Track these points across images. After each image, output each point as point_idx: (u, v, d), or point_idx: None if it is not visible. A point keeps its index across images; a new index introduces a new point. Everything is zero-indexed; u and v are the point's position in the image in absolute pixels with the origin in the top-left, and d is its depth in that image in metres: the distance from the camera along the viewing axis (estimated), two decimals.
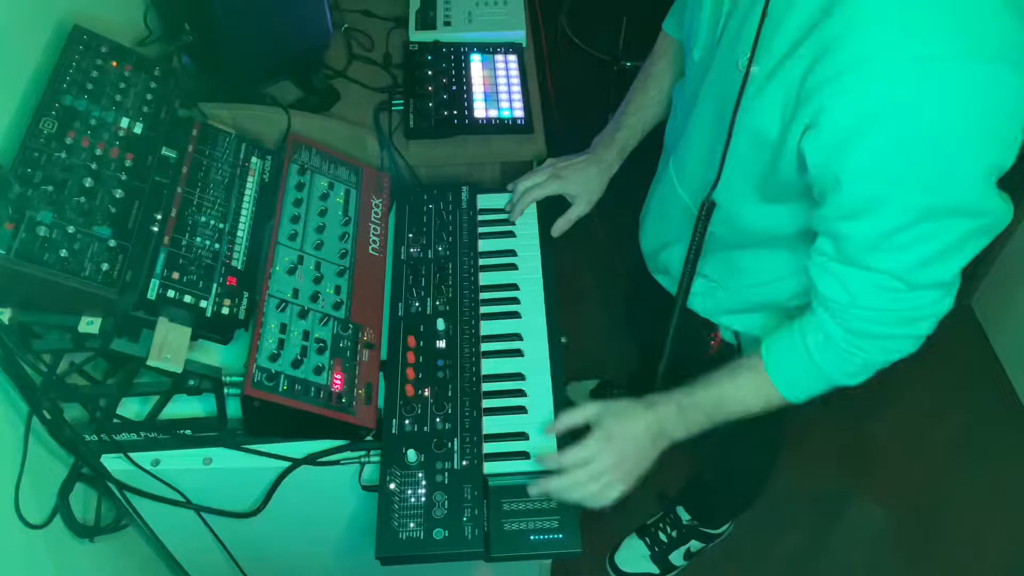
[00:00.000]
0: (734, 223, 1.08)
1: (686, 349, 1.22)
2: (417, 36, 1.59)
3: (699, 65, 1.07)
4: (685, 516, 1.89)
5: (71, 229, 0.98)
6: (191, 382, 1.09)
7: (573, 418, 1.10)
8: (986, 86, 0.77)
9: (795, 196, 0.98)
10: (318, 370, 1.09)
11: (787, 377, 1.03)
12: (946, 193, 0.82)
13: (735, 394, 1.06)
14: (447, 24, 1.61)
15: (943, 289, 0.92)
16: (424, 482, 1.07)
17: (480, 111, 1.47)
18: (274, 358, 1.07)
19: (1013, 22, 0.77)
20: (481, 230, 1.34)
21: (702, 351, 1.30)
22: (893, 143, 0.80)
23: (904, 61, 0.77)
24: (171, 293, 1.04)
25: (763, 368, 1.03)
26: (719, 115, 1.00)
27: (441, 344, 1.19)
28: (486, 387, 1.17)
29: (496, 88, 1.51)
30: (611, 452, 1.05)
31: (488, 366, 1.19)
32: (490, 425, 1.13)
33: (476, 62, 1.55)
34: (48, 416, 1.06)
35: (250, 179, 1.23)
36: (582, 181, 1.34)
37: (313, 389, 1.08)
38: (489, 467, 1.10)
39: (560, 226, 1.34)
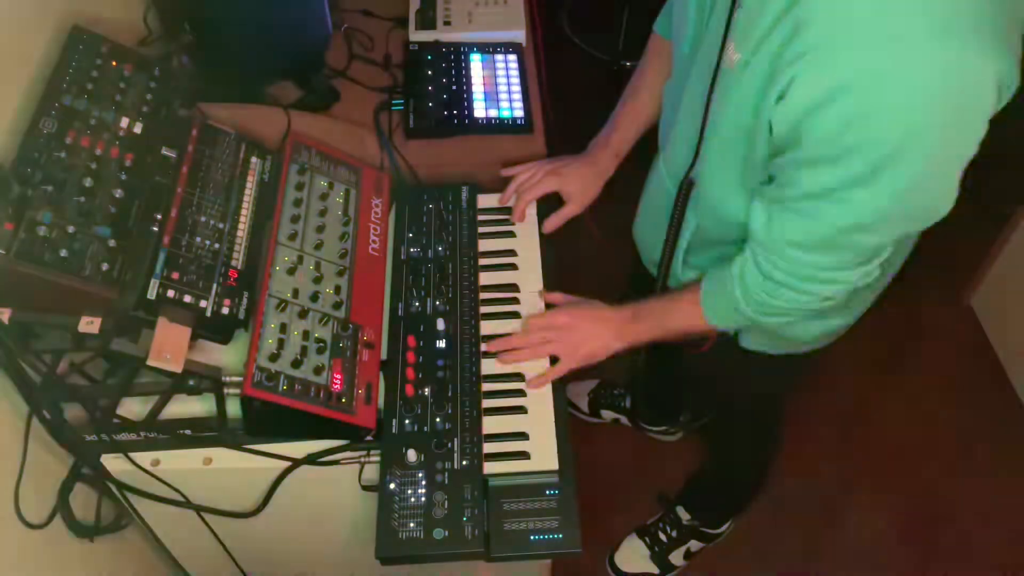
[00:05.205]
0: (722, 217, 1.09)
1: (684, 342, 1.23)
2: (417, 36, 1.59)
3: (686, 59, 1.08)
4: (685, 516, 1.89)
5: (71, 229, 0.98)
6: (191, 382, 1.08)
7: (557, 296, 1.27)
8: (960, 70, 0.77)
9: None
10: (318, 370, 1.09)
11: (711, 301, 1.12)
12: (893, 170, 0.83)
13: (678, 308, 1.17)
14: (447, 24, 1.61)
15: (851, 259, 0.96)
16: (424, 482, 1.07)
17: (480, 111, 1.47)
18: (274, 358, 1.07)
19: (995, 10, 0.77)
20: (481, 230, 1.34)
21: (699, 343, 1.30)
22: (855, 112, 0.80)
23: (880, 36, 0.77)
24: (171, 293, 1.04)
25: (699, 292, 1.13)
26: (704, 106, 1.02)
27: (441, 344, 1.19)
28: (486, 387, 1.17)
29: (496, 88, 1.51)
30: (568, 319, 1.23)
31: (488, 366, 1.19)
32: (490, 425, 1.13)
33: (476, 62, 1.55)
34: (48, 416, 1.06)
35: (250, 179, 1.23)
36: (578, 180, 1.34)
37: (313, 389, 1.08)
38: (489, 467, 1.10)
39: (552, 223, 1.35)
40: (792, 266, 0.98)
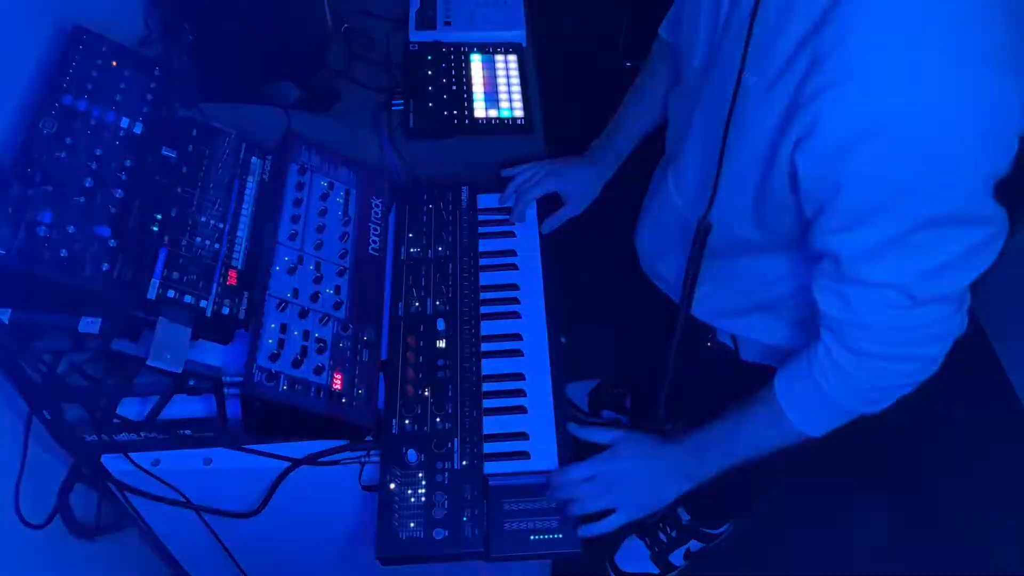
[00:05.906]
0: (731, 236, 1.07)
1: (683, 353, 1.22)
2: (417, 36, 1.59)
3: (699, 73, 1.06)
4: (685, 516, 1.89)
5: (71, 229, 0.98)
6: (191, 382, 1.08)
7: (594, 436, 1.13)
8: (982, 91, 0.77)
9: (788, 218, 0.96)
10: (318, 370, 1.09)
11: (799, 407, 1.00)
12: (947, 200, 0.81)
13: (751, 428, 1.04)
14: (447, 24, 1.61)
15: (951, 305, 0.90)
16: (424, 482, 1.07)
17: (480, 111, 1.47)
18: (274, 358, 1.07)
19: (1007, 26, 0.77)
20: (481, 230, 1.34)
21: (699, 354, 1.30)
22: (892, 150, 0.79)
23: (899, 69, 0.77)
24: (171, 293, 1.04)
25: (776, 400, 1.00)
26: (718, 126, 0.99)
27: (441, 344, 1.19)
28: (486, 387, 1.17)
29: (496, 88, 1.51)
30: (614, 472, 1.08)
31: (488, 366, 1.19)
32: (490, 425, 1.13)
33: (476, 62, 1.55)
34: (48, 416, 1.06)
35: (250, 179, 1.23)
36: (578, 181, 1.34)
37: (313, 389, 1.08)
38: (489, 467, 1.10)
39: (551, 224, 1.35)
40: (890, 333, 0.91)
